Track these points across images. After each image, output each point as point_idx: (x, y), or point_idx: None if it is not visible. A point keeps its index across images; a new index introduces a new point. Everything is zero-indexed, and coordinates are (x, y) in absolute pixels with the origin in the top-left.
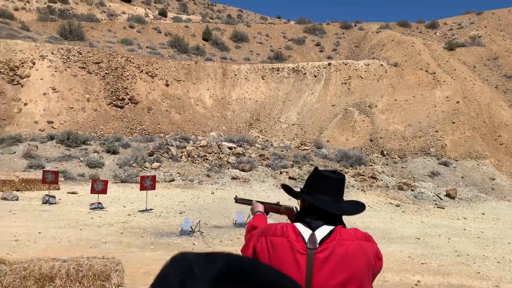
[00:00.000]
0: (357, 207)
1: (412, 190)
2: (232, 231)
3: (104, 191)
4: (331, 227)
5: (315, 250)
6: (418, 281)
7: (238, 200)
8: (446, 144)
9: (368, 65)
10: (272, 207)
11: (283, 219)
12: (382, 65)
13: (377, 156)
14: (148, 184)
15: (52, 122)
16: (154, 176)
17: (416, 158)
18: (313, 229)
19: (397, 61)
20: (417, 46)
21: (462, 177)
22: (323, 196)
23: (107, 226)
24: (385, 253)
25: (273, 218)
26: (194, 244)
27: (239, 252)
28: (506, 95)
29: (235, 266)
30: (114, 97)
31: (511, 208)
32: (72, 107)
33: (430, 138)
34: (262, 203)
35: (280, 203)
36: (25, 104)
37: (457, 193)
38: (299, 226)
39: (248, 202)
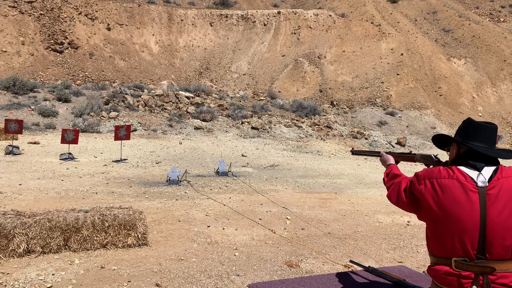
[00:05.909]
0: (509, 153)
1: (366, 139)
2: (218, 179)
3: (75, 141)
4: (494, 167)
5: (486, 188)
6: (408, 222)
7: (355, 152)
8: (391, 95)
9: (317, 15)
10: (405, 156)
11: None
12: (330, 15)
13: (328, 106)
14: (122, 134)
15: None
16: (129, 126)
17: (364, 108)
18: (479, 170)
19: (344, 11)
20: None
21: (407, 126)
22: (479, 144)
23: (89, 176)
24: (367, 197)
25: None
26: (186, 192)
27: (232, 197)
28: (444, 49)
29: None
30: (51, 41)
31: None
32: (6, 51)
33: (376, 89)
34: (391, 153)
35: (414, 153)
36: None
37: (406, 141)
38: (463, 168)
39: (370, 153)
